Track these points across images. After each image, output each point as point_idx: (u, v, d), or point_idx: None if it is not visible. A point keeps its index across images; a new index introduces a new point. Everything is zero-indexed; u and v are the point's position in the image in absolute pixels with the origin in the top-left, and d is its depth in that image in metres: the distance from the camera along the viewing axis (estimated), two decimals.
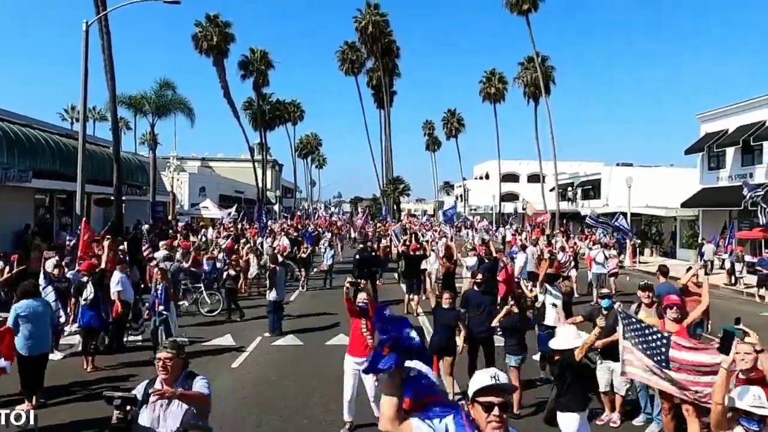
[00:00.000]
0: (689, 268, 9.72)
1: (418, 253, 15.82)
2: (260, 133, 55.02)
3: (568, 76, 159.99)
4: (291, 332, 11.95)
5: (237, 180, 59.11)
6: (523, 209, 48.87)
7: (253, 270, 17.47)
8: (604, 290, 7.55)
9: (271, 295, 12.14)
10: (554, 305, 8.35)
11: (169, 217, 33.43)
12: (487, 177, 74.86)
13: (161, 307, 9.69)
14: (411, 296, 14.36)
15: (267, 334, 11.68)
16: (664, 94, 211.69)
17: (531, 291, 9.37)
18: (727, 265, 21.43)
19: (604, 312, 6.92)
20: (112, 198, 22.88)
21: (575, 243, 23.25)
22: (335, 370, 9.38)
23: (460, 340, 7.84)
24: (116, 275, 10.44)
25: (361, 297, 6.84)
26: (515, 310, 7.61)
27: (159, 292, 9.79)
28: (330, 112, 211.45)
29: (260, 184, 51.25)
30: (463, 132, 75.45)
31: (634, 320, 5.47)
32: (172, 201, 36.93)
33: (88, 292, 9.36)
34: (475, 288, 8.76)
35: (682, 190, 30.85)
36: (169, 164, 37.81)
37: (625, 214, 30.07)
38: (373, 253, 17.96)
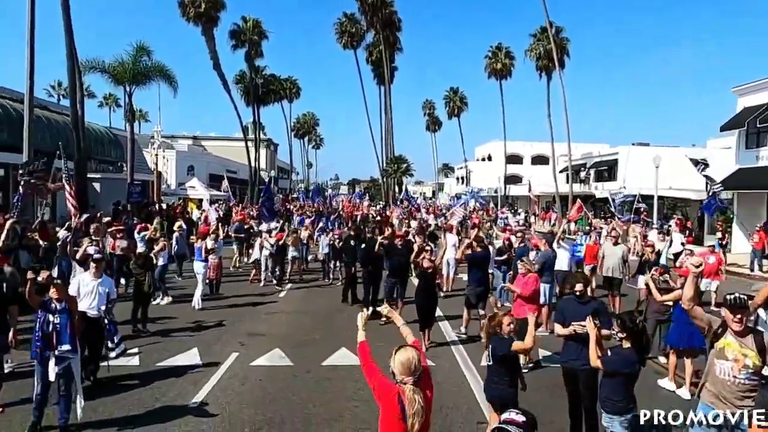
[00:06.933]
0: None
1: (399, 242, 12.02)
2: (253, 109, 51.73)
3: (580, 52, 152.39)
4: (278, 346, 9.22)
5: (230, 159, 56.14)
6: (530, 191, 46.36)
7: (256, 253, 15.56)
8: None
9: None
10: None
11: (154, 198, 30.75)
12: (489, 159, 72.08)
13: (62, 347, 5.62)
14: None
15: (244, 350, 8.97)
16: (676, 76, 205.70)
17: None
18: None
19: None
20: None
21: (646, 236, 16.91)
22: (337, 401, 6.79)
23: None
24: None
25: None
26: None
27: (56, 320, 5.63)
28: (326, 89, 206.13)
29: (253, 164, 48.24)
30: (465, 111, 72.17)
31: None
32: (156, 180, 34.22)
33: None
34: (575, 296, 6.03)
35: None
36: (152, 140, 34.81)
37: (651, 197, 27.67)
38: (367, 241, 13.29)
